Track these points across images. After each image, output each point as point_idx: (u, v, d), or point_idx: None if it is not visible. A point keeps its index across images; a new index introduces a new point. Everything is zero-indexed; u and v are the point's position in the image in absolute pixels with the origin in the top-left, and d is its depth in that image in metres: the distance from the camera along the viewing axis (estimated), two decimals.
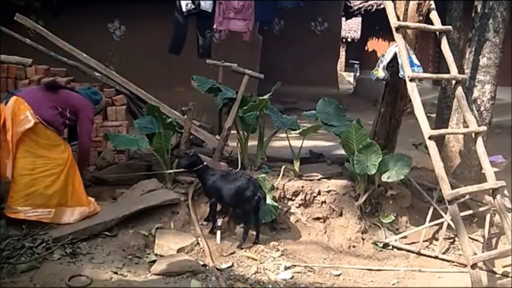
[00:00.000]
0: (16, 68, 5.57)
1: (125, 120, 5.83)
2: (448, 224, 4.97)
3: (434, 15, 4.96)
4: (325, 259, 4.73)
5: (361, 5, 15.51)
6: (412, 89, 4.43)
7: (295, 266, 4.46)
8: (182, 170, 4.96)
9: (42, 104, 4.27)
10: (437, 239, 5.11)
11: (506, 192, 5.49)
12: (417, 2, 4.98)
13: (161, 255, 4.32)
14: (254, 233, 4.74)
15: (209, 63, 6.87)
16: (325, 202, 5.29)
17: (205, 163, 4.89)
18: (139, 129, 5.32)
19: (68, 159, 4.36)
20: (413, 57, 4.82)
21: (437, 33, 4.95)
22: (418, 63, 4.81)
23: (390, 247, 5.03)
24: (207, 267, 4.20)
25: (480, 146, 4.43)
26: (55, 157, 4.31)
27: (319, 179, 5.46)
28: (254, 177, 4.90)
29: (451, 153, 6.18)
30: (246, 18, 7.91)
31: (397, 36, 4.66)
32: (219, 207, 4.82)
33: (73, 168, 4.42)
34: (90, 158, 5.66)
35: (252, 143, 5.85)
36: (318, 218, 5.20)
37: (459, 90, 4.67)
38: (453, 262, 4.79)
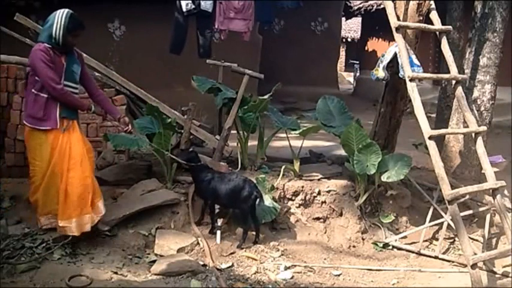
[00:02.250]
0: (16, 68, 5.57)
1: None
2: (448, 224, 4.97)
3: (434, 15, 4.96)
4: (325, 259, 4.73)
5: (361, 5, 15.52)
6: (412, 89, 4.43)
7: (295, 266, 4.46)
8: (179, 160, 4.91)
9: (28, 101, 4.08)
10: (437, 239, 5.11)
11: (506, 192, 5.50)
12: (417, 2, 4.98)
13: (161, 255, 4.32)
14: (254, 233, 4.74)
15: (209, 63, 6.87)
16: (325, 202, 5.29)
17: (202, 163, 4.90)
18: (139, 129, 5.32)
19: (47, 167, 4.01)
20: (413, 57, 4.82)
21: (437, 33, 4.95)
22: (418, 63, 4.81)
23: (390, 247, 5.03)
24: (207, 267, 4.20)
25: (480, 146, 4.43)
26: (36, 163, 4.06)
27: (319, 179, 5.47)
28: (249, 178, 4.90)
29: (451, 153, 6.18)
30: (246, 18, 7.91)
31: (397, 36, 4.66)
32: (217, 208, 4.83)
33: (54, 178, 4.03)
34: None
35: (252, 143, 5.85)
36: (318, 218, 5.21)
37: (459, 90, 4.67)
38: (453, 262, 4.79)
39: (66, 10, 3.98)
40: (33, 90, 4.00)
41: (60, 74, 4.02)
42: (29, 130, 4.03)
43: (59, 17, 3.94)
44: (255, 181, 4.88)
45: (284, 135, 5.79)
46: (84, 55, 5.87)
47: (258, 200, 4.64)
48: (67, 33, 3.96)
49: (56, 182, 4.02)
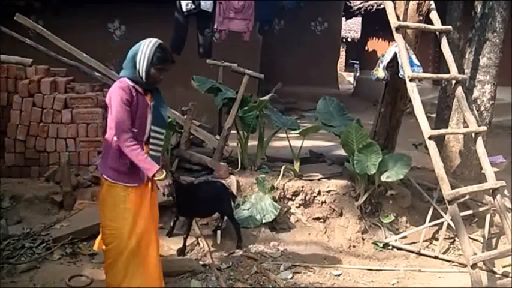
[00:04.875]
0: (16, 68, 5.58)
1: None
2: (448, 224, 4.97)
3: (434, 15, 4.96)
4: (325, 259, 4.73)
5: (361, 5, 15.51)
6: (412, 89, 4.43)
7: (295, 266, 4.46)
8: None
9: (110, 150, 3.21)
10: (437, 239, 5.11)
11: (506, 192, 5.50)
12: (417, 2, 4.98)
13: (161, 255, 4.30)
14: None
15: (209, 63, 6.87)
16: (325, 202, 5.29)
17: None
18: None
19: (132, 233, 3.17)
20: (413, 57, 4.81)
21: (437, 33, 4.95)
22: (418, 63, 4.81)
23: (390, 247, 5.03)
24: (207, 267, 4.20)
25: (480, 146, 4.43)
26: (112, 225, 3.20)
27: (319, 179, 5.47)
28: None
29: (451, 153, 6.18)
30: (246, 18, 7.92)
31: (397, 36, 4.66)
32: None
33: (140, 250, 3.23)
34: (90, 158, 5.64)
35: (252, 143, 5.85)
36: (318, 218, 5.21)
37: (459, 90, 4.67)
38: (453, 262, 4.80)
39: (154, 40, 3.37)
40: (115, 139, 3.16)
41: (145, 116, 3.29)
42: (108, 185, 3.20)
43: (145, 46, 3.33)
44: (255, 181, 4.86)
45: (284, 135, 5.79)
46: (84, 55, 5.94)
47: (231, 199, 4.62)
48: (151, 65, 3.29)
49: (142, 254, 3.26)
